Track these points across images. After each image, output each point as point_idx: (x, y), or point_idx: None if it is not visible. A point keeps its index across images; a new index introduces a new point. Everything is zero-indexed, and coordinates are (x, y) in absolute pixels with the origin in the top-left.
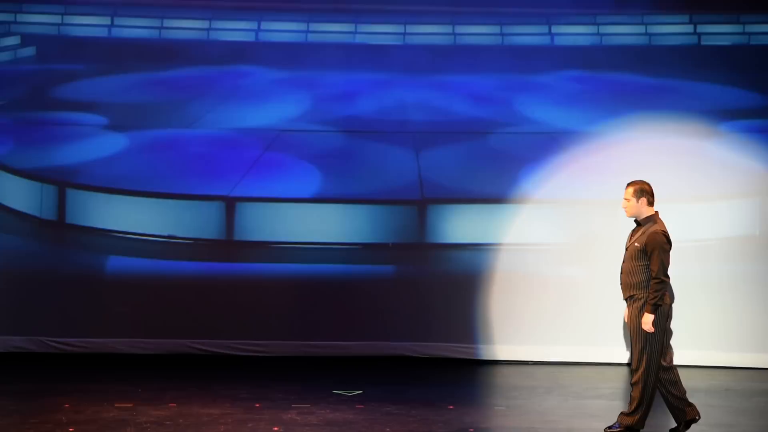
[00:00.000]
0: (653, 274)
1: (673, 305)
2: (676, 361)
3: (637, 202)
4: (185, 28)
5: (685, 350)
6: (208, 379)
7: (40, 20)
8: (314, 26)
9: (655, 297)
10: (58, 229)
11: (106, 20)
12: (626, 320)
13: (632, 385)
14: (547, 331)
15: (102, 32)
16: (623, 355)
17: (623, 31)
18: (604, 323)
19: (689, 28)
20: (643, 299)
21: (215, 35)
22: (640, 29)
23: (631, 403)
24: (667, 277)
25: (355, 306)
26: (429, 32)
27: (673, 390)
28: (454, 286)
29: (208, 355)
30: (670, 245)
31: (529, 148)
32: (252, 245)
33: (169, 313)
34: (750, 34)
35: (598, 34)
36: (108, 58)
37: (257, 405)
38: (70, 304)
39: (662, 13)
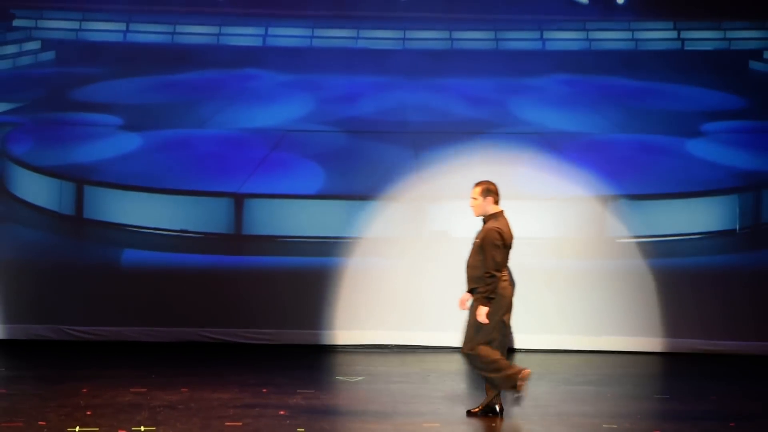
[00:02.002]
0: (485, 269)
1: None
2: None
3: (483, 200)
4: (196, 33)
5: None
6: (217, 365)
7: (60, 26)
8: (318, 32)
9: (486, 290)
10: (76, 224)
11: (122, 26)
12: (462, 307)
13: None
14: (540, 319)
15: (118, 37)
16: (620, 343)
17: (611, 37)
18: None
19: (673, 34)
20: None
21: (225, 40)
22: (627, 35)
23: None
24: (498, 271)
25: (357, 296)
26: (427, 38)
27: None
28: (451, 278)
29: (217, 343)
30: (504, 241)
31: (522, 147)
32: (259, 239)
33: (180, 303)
34: (730, 39)
35: (587, 39)
36: (123, 61)
37: (264, 390)
38: (87, 294)
39: (648, 19)
